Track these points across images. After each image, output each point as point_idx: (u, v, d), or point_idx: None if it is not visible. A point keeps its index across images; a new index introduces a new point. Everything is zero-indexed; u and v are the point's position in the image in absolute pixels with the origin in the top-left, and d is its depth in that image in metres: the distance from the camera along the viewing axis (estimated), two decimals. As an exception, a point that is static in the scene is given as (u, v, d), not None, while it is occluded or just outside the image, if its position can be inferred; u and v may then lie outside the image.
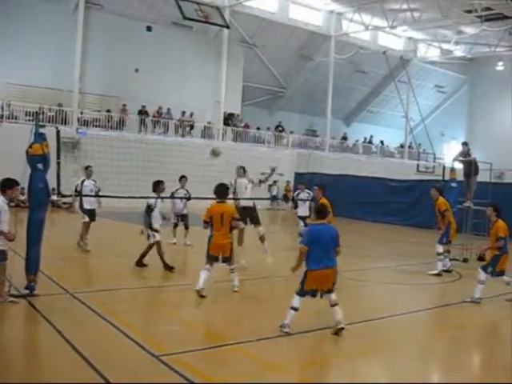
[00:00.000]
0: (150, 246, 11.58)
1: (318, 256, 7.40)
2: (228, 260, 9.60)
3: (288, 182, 32.66)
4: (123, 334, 7.15)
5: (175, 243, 15.38)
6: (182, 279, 11.09)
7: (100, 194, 13.86)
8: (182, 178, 15.82)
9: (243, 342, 7.13)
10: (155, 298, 9.57)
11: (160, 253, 11.52)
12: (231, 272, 9.73)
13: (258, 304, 9.59)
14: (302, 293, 7.49)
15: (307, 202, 15.19)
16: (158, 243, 11.51)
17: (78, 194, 13.59)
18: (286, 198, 31.44)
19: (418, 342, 7.99)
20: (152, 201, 11.72)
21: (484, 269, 10.25)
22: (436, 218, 13.56)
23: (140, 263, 11.65)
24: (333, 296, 7.55)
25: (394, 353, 7.34)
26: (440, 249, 13.12)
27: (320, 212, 7.83)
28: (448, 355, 7.51)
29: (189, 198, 15.35)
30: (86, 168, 14.21)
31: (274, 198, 31.35)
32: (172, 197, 14.89)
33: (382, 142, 44.75)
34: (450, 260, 14.71)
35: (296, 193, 16.30)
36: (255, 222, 12.74)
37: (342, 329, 7.43)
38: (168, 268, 11.43)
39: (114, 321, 7.67)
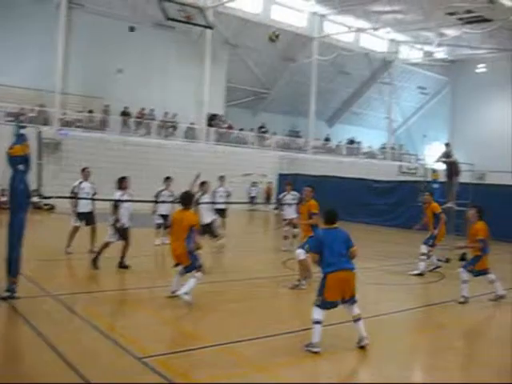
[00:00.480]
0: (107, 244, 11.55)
1: (333, 261, 7.07)
2: (189, 269, 9.01)
3: (269, 182, 32.67)
4: (105, 336, 7.09)
5: (159, 245, 15.20)
6: (162, 281, 11.00)
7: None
8: (167, 179, 15.72)
9: (226, 342, 7.10)
10: (137, 300, 9.49)
11: (101, 250, 11.47)
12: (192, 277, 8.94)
13: (240, 305, 9.55)
14: (323, 304, 6.99)
15: (293, 205, 14.82)
16: (107, 243, 11.51)
17: (74, 196, 13.33)
18: (267, 199, 31.42)
19: (402, 341, 8.01)
20: (117, 195, 11.67)
21: (465, 267, 10.34)
22: (421, 220, 13.66)
23: (121, 265, 11.56)
24: (356, 308, 7.12)
25: (376, 352, 7.35)
26: (424, 249, 13.18)
27: (329, 217, 7.48)
28: (431, 354, 7.54)
29: (172, 202, 15.09)
30: (83, 170, 13.85)
31: (252, 199, 31.31)
32: (155, 201, 14.88)
33: (358, 143, 44.94)
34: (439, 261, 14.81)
35: (282, 194, 15.98)
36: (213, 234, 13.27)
37: (366, 344, 7.05)
38: (95, 266, 11.36)
39: (96, 323, 7.60)
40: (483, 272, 10.40)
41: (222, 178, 17.52)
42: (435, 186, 15.96)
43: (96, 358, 6.45)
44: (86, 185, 13.64)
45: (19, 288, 8.72)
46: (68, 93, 29.58)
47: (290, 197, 15.28)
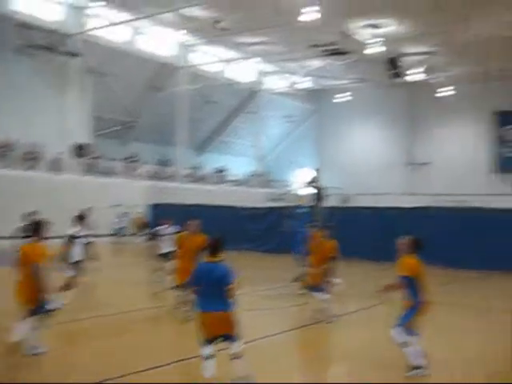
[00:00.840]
0: None
1: (206, 297, 6.70)
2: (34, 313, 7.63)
3: (140, 213, 31.98)
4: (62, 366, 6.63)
5: None
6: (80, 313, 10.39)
7: None
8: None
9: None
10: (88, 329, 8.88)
11: None
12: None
13: (105, 342, 9.21)
14: (203, 341, 6.72)
15: (171, 237, 13.94)
16: None
17: None
18: (138, 231, 30.70)
19: (280, 363, 8.08)
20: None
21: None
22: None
23: None
24: (235, 345, 6.71)
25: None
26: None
27: (210, 248, 6.92)
28: (308, 373, 7.68)
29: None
30: None
31: (120, 231, 30.52)
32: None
33: (226, 171, 45.59)
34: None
35: (161, 227, 14.93)
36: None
37: None
38: None
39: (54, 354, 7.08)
40: (316, 289, 10.84)
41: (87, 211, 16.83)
42: (301, 210, 16.46)
43: None
44: None
45: None
46: None
47: (171, 230, 14.58)
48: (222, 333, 6.70)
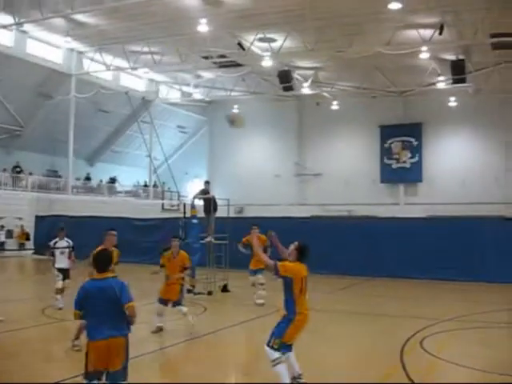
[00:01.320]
0: None
1: (96, 322, 5.66)
2: None
3: (22, 226, 30.63)
4: None
5: None
6: None
7: None
8: None
9: None
10: None
11: None
12: None
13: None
14: (86, 377, 5.69)
15: (66, 252, 13.50)
16: None
17: None
18: (21, 245, 29.42)
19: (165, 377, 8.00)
20: None
21: None
22: None
23: None
24: None
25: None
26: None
27: (97, 263, 5.92)
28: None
29: None
30: None
31: (1, 245, 29.08)
32: None
33: (118, 182, 44.78)
34: (196, 294, 15.23)
35: (53, 241, 13.87)
36: None
37: None
38: None
39: None
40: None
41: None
42: (194, 221, 16.42)
43: None
44: None
45: None
46: None
47: (64, 244, 13.75)
48: (109, 367, 5.61)
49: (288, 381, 6.77)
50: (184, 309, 10.85)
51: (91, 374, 5.62)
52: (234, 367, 8.87)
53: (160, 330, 10.75)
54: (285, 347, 6.87)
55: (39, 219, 30.38)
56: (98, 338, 5.58)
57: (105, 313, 5.63)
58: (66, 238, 13.85)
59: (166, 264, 11.45)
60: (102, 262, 5.90)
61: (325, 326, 10.95)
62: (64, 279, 13.12)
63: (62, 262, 13.45)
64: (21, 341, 10.27)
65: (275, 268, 6.86)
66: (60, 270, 13.39)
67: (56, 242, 13.77)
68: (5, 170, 35.22)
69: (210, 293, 15.72)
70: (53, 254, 13.64)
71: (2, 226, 28.88)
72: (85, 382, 5.67)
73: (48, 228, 28.36)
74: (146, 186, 46.46)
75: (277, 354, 6.75)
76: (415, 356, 8.93)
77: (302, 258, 7.04)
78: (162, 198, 42.14)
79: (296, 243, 7.09)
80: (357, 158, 42.66)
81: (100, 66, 37.55)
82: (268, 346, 6.86)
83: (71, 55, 37.29)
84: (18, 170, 36.15)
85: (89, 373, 5.64)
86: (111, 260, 6.08)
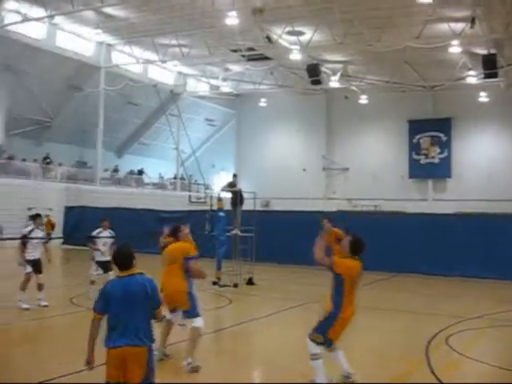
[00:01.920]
0: None
1: (118, 326, 4.92)
2: None
3: (47, 215, 30.83)
4: None
5: None
6: None
7: None
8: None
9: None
10: None
11: None
12: None
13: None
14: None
15: (108, 243, 13.12)
16: None
17: None
18: (48, 234, 29.59)
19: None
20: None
21: None
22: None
23: None
24: None
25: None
26: None
27: (119, 259, 5.19)
28: (224, 377, 7.71)
29: None
30: None
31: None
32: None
33: (142, 174, 45.14)
34: (221, 286, 15.34)
35: (96, 231, 13.42)
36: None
37: None
38: None
39: None
40: None
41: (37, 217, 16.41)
42: (221, 214, 16.49)
43: None
44: None
45: None
46: None
47: (107, 234, 13.44)
48: (126, 380, 4.87)
49: (323, 379, 6.62)
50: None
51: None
52: (257, 360, 8.90)
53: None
54: (328, 343, 6.72)
55: (68, 210, 30.79)
56: (115, 346, 4.87)
57: (128, 316, 4.93)
58: (109, 230, 13.50)
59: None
60: (126, 258, 5.17)
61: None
62: (106, 271, 12.64)
63: (105, 254, 13.03)
64: (46, 328, 10.48)
65: (331, 265, 6.63)
66: (101, 262, 13.04)
67: (99, 233, 13.44)
68: (35, 160, 35.75)
69: (235, 285, 15.79)
70: (94, 245, 13.31)
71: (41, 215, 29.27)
72: None
73: (76, 218, 28.81)
74: (173, 178, 46.70)
75: (318, 349, 6.63)
76: (440, 353, 8.88)
77: (356, 252, 6.72)
78: (189, 191, 42.28)
79: (349, 237, 6.84)
80: (385, 152, 42.33)
81: (129, 59, 37.86)
82: (310, 339, 6.71)
83: (101, 48, 37.63)
84: (48, 161, 36.66)
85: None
86: (130, 256, 5.18)
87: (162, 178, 45.97)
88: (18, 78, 34.60)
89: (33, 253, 11.98)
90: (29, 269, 11.84)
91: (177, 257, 8.21)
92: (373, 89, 39.78)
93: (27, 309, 11.48)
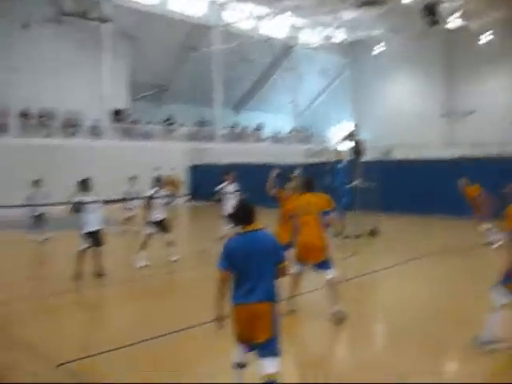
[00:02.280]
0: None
1: (244, 283, 4.91)
2: None
3: (171, 175, 32.01)
4: (20, 347, 6.86)
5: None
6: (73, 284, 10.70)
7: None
8: (37, 181, 15.99)
9: (148, 339, 7.04)
10: (51, 307, 9.19)
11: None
12: None
13: (158, 300, 9.48)
14: (238, 342, 5.04)
15: (235, 197, 13.06)
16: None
17: None
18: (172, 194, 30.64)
19: (320, 318, 8.18)
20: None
21: None
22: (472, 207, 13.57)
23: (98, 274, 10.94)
24: (269, 363, 4.89)
25: (298, 330, 7.50)
26: (485, 226, 13.35)
27: (241, 215, 5.13)
28: (348, 328, 7.80)
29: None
30: None
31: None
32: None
33: (260, 129, 45.48)
34: (344, 238, 15.37)
35: (221, 185, 13.56)
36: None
37: None
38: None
39: (10, 334, 7.33)
40: None
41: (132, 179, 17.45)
42: (340, 165, 16.38)
43: (13, 369, 6.23)
44: None
45: None
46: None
47: (233, 188, 13.60)
48: (260, 339, 4.90)
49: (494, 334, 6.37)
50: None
51: (240, 343, 5.01)
52: (378, 311, 8.88)
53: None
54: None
55: (192, 168, 31.92)
56: (242, 302, 4.89)
57: (254, 272, 4.89)
58: (234, 183, 13.61)
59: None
60: (249, 213, 5.09)
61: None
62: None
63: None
64: (176, 281, 11.02)
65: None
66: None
67: (223, 187, 13.55)
68: (158, 122, 37.19)
69: (357, 236, 15.74)
70: (220, 200, 13.43)
71: (158, 179, 30.57)
72: (235, 352, 5.07)
73: (200, 176, 29.83)
74: (290, 131, 46.81)
75: (507, 300, 6.28)
76: None
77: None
78: (307, 143, 42.28)
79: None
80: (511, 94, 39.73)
81: (241, 16, 37.98)
82: (495, 289, 6.37)
83: (212, 7, 38.05)
84: (170, 122, 37.98)
85: (238, 338, 5.01)
86: (252, 212, 5.09)
87: (279, 132, 46.23)
88: (136, 44, 35.91)
89: (158, 214, 12.38)
90: (151, 230, 12.29)
91: (315, 209, 8.08)
92: (496, 27, 37.20)
93: (146, 265, 12.02)
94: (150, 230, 12.30)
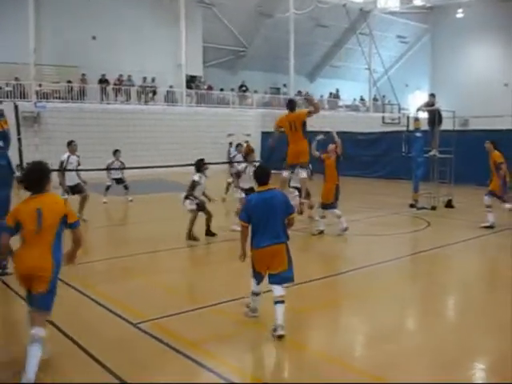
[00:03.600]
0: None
1: (261, 231, 6.13)
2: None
3: (247, 142, 32.20)
4: (100, 305, 7.17)
5: (105, 202, 17.38)
6: (155, 246, 11.05)
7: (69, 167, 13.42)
8: (116, 151, 17.59)
9: (222, 302, 7.21)
10: (130, 267, 9.54)
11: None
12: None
13: (227, 266, 9.66)
14: (254, 275, 6.41)
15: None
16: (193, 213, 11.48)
17: (64, 169, 13.29)
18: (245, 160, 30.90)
19: (393, 289, 8.14)
20: (196, 178, 11.51)
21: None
22: (490, 173, 12.70)
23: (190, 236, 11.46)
24: (279, 289, 6.15)
25: (368, 301, 7.49)
26: (487, 201, 12.50)
27: (260, 177, 6.41)
28: (422, 301, 7.72)
29: (123, 168, 17.47)
30: (70, 143, 13.82)
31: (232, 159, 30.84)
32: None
33: (338, 96, 44.81)
34: (419, 209, 15.09)
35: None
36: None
37: (282, 336, 5.93)
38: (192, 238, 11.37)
39: (90, 293, 7.66)
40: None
41: (239, 146, 17.42)
42: (418, 134, 15.98)
43: (91, 326, 6.53)
44: (73, 158, 13.65)
45: (10, 264, 8.74)
46: (43, 64, 29.10)
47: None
48: (276, 270, 6.17)
49: None
50: (337, 212, 11.83)
51: (257, 274, 6.36)
52: (454, 286, 8.72)
53: (321, 232, 11.78)
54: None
55: (265, 135, 31.95)
56: (262, 246, 6.15)
57: (269, 222, 6.13)
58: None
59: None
60: (264, 175, 6.36)
61: None
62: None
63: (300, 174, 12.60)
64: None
65: None
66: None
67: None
68: (232, 89, 37.33)
69: (433, 208, 15.41)
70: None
71: (230, 144, 30.79)
72: (253, 280, 6.41)
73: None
74: (365, 99, 45.98)
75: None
76: None
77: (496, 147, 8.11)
78: (383, 112, 41.46)
79: (490, 140, 7.39)
80: None
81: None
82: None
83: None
84: (244, 89, 38.06)
85: (255, 272, 6.37)
86: (270, 173, 6.38)
87: (354, 99, 45.49)
88: (211, 10, 36.03)
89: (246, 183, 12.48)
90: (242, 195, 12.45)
91: None
92: None
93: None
94: (241, 195, 12.56)
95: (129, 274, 9.09)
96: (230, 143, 29.62)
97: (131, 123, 27.09)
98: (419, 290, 8.27)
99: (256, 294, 6.47)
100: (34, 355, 4.90)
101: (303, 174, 10.98)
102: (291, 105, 11.01)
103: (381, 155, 24.89)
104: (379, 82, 44.37)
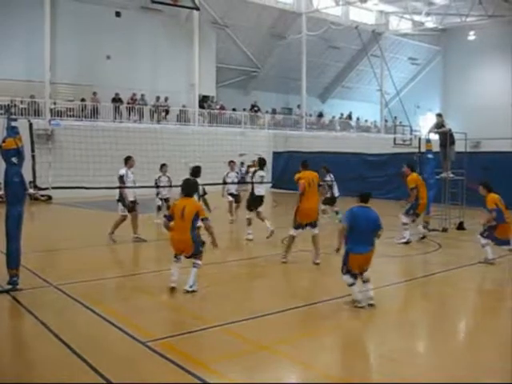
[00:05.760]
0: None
1: (358, 239, 7.80)
2: (190, 256, 8.86)
3: (253, 161, 32.17)
4: (109, 323, 7.16)
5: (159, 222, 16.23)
6: (163, 265, 11.04)
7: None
8: (163, 165, 16.99)
9: (230, 322, 7.18)
10: (138, 286, 9.54)
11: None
12: (193, 266, 8.79)
13: (240, 285, 9.63)
14: (345, 271, 7.99)
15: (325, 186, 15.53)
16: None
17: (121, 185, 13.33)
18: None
19: (405, 311, 8.11)
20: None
21: (481, 234, 11.23)
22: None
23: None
24: (366, 273, 8.01)
25: (382, 322, 7.46)
26: (404, 219, 13.56)
27: (365, 196, 8.17)
28: (434, 323, 7.66)
29: (170, 186, 16.53)
30: (128, 158, 13.68)
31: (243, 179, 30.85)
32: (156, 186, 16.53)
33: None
34: (430, 230, 14.98)
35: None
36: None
37: (372, 305, 7.86)
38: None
39: (99, 310, 7.67)
40: (504, 242, 10.99)
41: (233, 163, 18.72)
42: (430, 156, 15.93)
43: (100, 344, 6.52)
44: (130, 174, 13.55)
45: (21, 280, 8.78)
46: (57, 82, 29.42)
47: (328, 178, 16.75)
48: (364, 268, 7.97)
49: None
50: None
51: (349, 270, 7.94)
52: (466, 308, 8.65)
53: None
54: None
55: (276, 155, 32.03)
56: (359, 252, 7.83)
57: (366, 232, 7.83)
58: (329, 173, 16.38)
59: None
60: (367, 196, 8.20)
61: None
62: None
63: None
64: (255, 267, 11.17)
65: None
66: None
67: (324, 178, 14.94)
68: (244, 109, 37.51)
69: (444, 230, 15.34)
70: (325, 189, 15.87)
71: (242, 163, 30.84)
72: (345, 277, 7.96)
73: (284, 163, 29.89)
74: (377, 120, 46.00)
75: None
76: None
77: (491, 190, 9.92)
78: (394, 133, 41.42)
79: (482, 184, 8.75)
80: None
81: (329, 2, 37.59)
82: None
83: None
84: (256, 109, 38.23)
85: (348, 270, 7.96)
86: (371, 194, 8.28)
87: (365, 120, 45.54)
88: (225, 31, 36.36)
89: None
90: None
91: None
92: None
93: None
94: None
95: (138, 292, 9.08)
96: (242, 163, 29.67)
97: (143, 142, 27.25)
98: (431, 311, 8.21)
99: (352, 284, 7.95)
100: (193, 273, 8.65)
101: (315, 231, 10.99)
102: (306, 163, 11.41)
103: (392, 176, 24.83)
104: (391, 103, 44.41)
